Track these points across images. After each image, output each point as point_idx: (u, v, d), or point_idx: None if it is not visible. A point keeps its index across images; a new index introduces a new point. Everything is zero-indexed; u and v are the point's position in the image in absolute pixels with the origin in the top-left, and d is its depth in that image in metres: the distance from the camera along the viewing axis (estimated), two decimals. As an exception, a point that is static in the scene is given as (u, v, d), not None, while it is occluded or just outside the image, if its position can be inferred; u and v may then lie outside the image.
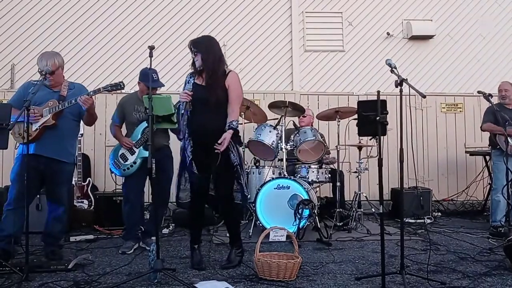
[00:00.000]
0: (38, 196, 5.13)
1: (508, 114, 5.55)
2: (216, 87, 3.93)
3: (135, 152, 4.68)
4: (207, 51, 3.95)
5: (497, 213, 5.56)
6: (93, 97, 4.17)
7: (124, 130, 4.91)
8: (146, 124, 4.65)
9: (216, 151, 3.83)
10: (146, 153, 4.59)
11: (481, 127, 5.90)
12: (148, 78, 4.61)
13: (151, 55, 3.76)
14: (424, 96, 3.50)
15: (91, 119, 4.42)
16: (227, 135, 3.85)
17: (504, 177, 5.36)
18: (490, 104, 5.48)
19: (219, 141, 3.81)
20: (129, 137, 4.77)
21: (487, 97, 5.51)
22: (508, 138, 5.40)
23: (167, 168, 4.75)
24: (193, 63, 4.04)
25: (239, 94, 4.03)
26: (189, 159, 3.98)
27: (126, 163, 4.69)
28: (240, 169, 4.04)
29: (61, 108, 4.14)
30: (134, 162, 4.67)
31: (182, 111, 3.98)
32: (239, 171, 4.04)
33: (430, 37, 7.51)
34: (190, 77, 4.09)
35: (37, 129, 4.10)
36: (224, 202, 4.12)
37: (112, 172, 4.84)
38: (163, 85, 4.83)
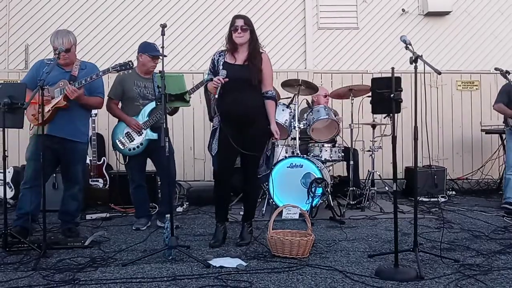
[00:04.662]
0: (54, 175, 5.20)
1: None
2: (257, 67, 3.98)
3: (142, 133, 4.67)
4: (254, 30, 4.00)
5: (507, 190, 5.60)
6: (83, 88, 4.17)
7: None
8: (155, 106, 4.63)
9: (273, 140, 4.15)
10: (152, 136, 4.62)
11: (493, 106, 5.85)
12: (150, 48, 4.64)
13: (163, 33, 3.74)
14: (439, 73, 3.44)
15: (89, 108, 4.42)
16: (276, 128, 4.07)
17: None
18: (507, 82, 5.39)
19: (274, 137, 4.08)
20: (128, 114, 4.68)
21: (505, 74, 5.42)
22: None
23: (170, 147, 4.75)
24: (230, 41, 3.99)
25: (271, 75, 4.16)
26: (215, 151, 4.04)
27: (133, 143, 4.67)
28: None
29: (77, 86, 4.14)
30: (141, 144, 4.66)
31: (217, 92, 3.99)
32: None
33: (447, 13, 7.35)
34: (220, 56, 4.07)
35: (49, 110, 4.12)
36: (250, 179, 4.15)
37: (115, 149, 4.77)
38: (166, 56, 4.77)
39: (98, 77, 4.21)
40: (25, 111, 3.85)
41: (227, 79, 3.83)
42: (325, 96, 6.23)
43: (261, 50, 4.06)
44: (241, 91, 3.92)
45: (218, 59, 4.06)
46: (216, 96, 3.86)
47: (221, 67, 4.00)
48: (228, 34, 4.04)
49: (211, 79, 4.05)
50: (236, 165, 4.21)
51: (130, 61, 4.32)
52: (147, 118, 4.67)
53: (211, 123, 4.24)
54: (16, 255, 3.69)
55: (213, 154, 4.07)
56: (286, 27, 7.29)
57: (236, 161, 4.18)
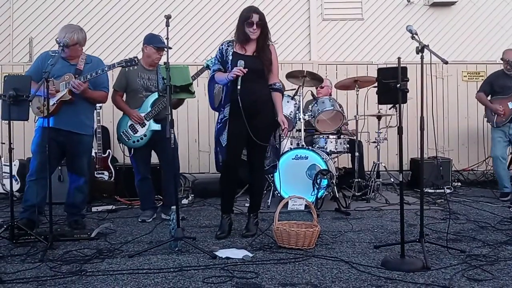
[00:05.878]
0: (59, 167, 5.21)
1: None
2: (268, 58, 3.99)
3: (145, 124, 4.66)
4: (267, 24, 4.00)
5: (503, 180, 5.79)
6: (88, 82, 4.18)
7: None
8: (157, 96, 4.63)
9: (283, 135, 4.14)
10: (155, 127, 4.63)
11: (475, 95, 6.04)
12: (155, 39, 4.63)
13: (167, 25, 3.73)
14: (446, 62, 3.40)
15: (93, 102, 4.42)
16: (283, 118, 4.04)
17: (495, 146, 5.71)
18: (495, 71, 5.58)
19: (283, 127, 4.02)
20: (132, 106, 4.69)
21: (511, 64, 5.39)
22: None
23: (174, 141, 4.73)
24: (242, 33, 3.93)
25: (278, 67, 4.18)
26: (225, 142, 3.99)
27: (136, 135, 4.67)
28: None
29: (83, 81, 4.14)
30: (145, 135, 4.66)
31: (224, 82, 3.96)
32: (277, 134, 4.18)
33: (452, 3, 7.30)
34: (228, 46, 4.03)
35: (54, 103, 4.13)
36: (256, 171, 4.15)
37: (120, 142, 4.79)
38: (171, 48, 4.76)
39: (104, 72, 4.21)
40: (30, 103, 3.85)
41: (246, 70, 3.80)
42: (322, 88, 6.18)
43: (268, 42, 4.04)
44: (251, 81, 3.88)
45: (227, 49, 4.01)
46: (239, 86, 3.79)
47: (230, 57, 3.96)
48: (239, 25, 3.97)
49: (219, 69, 4.03)
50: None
51: (136, 57, 4.31)
52: (150, 109, 4.67)
53: (216, 112, 4.20)
54: (23, 247, 3.71)
55: (223, 145, 4.00)
56: (290, 18, 7.26)
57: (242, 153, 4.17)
